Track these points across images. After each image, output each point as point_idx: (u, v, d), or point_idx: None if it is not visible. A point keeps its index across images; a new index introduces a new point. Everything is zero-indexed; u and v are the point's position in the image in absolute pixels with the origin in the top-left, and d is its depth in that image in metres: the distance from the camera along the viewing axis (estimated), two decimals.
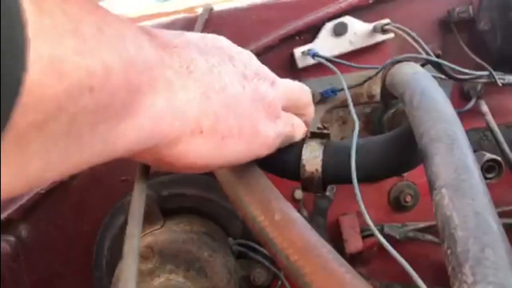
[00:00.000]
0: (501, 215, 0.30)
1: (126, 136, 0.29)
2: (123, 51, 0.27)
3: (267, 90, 0.41)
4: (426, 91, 0.43)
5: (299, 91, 0.48)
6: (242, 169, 0.48)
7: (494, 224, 0.28)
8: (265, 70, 0.43)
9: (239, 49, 0.42)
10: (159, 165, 0.36)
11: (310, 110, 0.50)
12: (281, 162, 0.48)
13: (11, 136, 0.21)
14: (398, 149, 0.45)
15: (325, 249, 0.39)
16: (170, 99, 0.32)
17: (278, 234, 0.40)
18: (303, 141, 0.48)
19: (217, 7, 0.72)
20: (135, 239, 0.34)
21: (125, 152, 0.31)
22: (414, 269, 0.33)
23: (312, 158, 0.46)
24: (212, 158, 0.37)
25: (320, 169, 0.46)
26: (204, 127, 0.35)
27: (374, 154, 0.45)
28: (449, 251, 0.28)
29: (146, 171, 0.40)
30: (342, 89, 0.58)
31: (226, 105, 0.37)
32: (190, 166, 0.36)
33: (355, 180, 0.42)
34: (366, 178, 0.45)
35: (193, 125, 0.34)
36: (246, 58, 0.41)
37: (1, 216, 0.72)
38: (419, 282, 0.31)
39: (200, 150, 0.36)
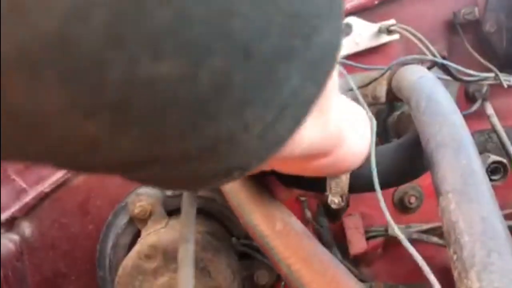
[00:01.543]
0: (505, 217, 0.30)
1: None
2: None
3: None
4: (433, 96, 0.43)
5: None
6: (244, 177, 0.48)
7: (500, 229, 0.28)
8: None
9: None
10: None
11: None
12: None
13: None
14: (409, 156, 0.45)
15: (327, 258, 0.39)
16: None
17: (280, 244, 0.41)
18: None
19: None
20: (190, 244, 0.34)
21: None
22: (419, 270, 0.32)
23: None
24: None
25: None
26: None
27: (385, 162, 0.45)
28: (455, 256, 0.28)
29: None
30: (349, 90, 0.58)
31: None
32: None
33: (377, 186, 0.42)
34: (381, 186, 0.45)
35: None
36: None
37: (5, 214, 0.72)
38: (433, 280, 0.31)
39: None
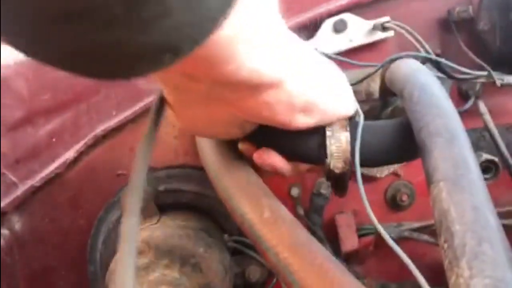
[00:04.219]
0: (497, 216, 0.30)
1: None
2: None
3: None
4: (426, 87, 0.43)
5: None
6: (232, 165, 0.47)
7: (491, 219, 0.28)
8: None
9: None
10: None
11: None
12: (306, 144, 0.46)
13: None
14: (400, 137, 0.44)
15: (315, 246, 0.38)
16: None
17: (267, 232, 0.40)
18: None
19: None
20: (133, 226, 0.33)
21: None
22: (409, 269, 0.32)
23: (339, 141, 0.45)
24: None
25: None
26: None
27: (376, 139, 0.45)
28: (446, 245, 0.28)
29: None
30: None
31: None
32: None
33: (359, 177, 0.41)
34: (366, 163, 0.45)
35: None
36: None
37: None
38: (421, 279, 0.31)
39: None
